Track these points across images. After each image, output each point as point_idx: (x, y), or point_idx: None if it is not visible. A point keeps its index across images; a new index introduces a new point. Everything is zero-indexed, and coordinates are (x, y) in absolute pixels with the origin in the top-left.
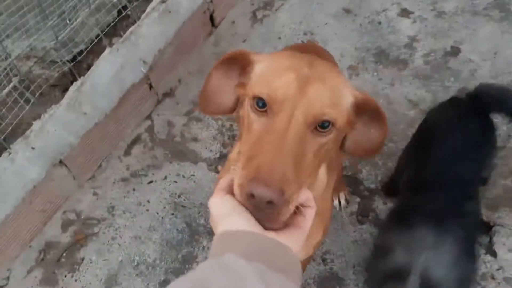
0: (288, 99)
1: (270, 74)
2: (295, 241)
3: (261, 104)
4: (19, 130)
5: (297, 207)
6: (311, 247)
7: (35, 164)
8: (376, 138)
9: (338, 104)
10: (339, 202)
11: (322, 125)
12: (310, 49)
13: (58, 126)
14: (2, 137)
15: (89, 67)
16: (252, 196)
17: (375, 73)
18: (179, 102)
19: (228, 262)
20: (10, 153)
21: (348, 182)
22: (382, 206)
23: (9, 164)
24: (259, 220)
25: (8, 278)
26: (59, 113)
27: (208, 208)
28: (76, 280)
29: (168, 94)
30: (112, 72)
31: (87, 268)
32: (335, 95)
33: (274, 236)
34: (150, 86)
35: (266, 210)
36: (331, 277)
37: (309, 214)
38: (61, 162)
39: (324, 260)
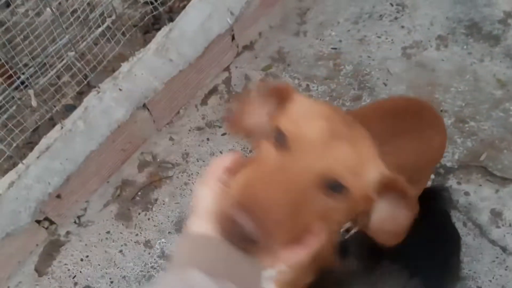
0: (311, 144)
1: (303, 114)
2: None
3: (281, 141)
4: (101, 69)
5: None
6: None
7: (122, 105)
8: (402, 220)
9: (359, 174)
10: None
11: (333, 188)
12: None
13: (145, 70)
14: (92, 75)
15: (170, 10)
16: (233, 223)
17: (465, 47)
18: (258, 56)
19: (194, 282)
20: (99, 92)
21: None
22: (456, 186)
23: (98, 103)
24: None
25: (85, 209)
26: (147, 58)
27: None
28: (148, 219)
29: (248, 47)
30: (200, 20)
31: (160, 209)
32: (360, 164)
33: None
34: (233, 38)
35: (238, 245)
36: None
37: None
38: (144, 105)
39: None
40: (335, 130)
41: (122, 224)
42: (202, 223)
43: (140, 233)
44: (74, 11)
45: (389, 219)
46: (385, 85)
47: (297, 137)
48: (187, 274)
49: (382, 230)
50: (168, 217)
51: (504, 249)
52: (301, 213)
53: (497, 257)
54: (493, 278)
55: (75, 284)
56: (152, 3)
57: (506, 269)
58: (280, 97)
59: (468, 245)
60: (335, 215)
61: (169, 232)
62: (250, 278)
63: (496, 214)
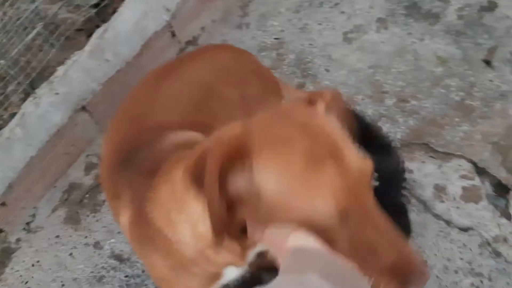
0: (342, 197)
1: (313, 189)
2: None
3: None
4: (45, 74)
5: None
6: None
7: (59, 108)
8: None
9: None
10: None
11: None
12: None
13: (81, 72)
14: (28, 82)
15: (114, 11)
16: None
17: (405, 27)
18: None
19: (312, 283)
20: (35, 98)
21: None
22: None
23: (34, 108)
24: None
25: (34, 215)
26: (82, 60)
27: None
28: (97, 220)
29: (191, 42)
30: (134, 19)
31: (108, 210)
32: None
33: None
34: (173, 34)
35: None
36: None
37: None
38: (84, 107)
39: None
40: (321, 156)
41: (71, 227)
42: (299, 236)
43: (90, 235)
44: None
45: None
46: (327, 71)
47: (339, 207)
48: (305, 277)
49: None
50: None
51: (448, 222)
52: None
53: (441, 231)
54: (438, 251)
55: None
56: (96, 6)
57: (450, 242)
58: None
59: (413, 221)
60: None
61: (118, 232)
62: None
63: (440, 189)
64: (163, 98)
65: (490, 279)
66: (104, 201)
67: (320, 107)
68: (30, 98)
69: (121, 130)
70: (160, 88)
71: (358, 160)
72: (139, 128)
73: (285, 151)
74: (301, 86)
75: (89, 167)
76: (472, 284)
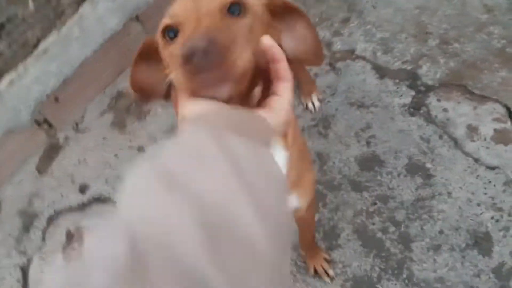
0: (188, 7)
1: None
2: (276, 111)
3: (172, 34)
4: None
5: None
6: (309, 189)
7: (114, 15)
8: (308, 36)
9: None
10: (313, 104)
11: (234, 11)
12: None
13: None
14: None
15: None
16: (189, 57)
17: None
18: None
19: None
20: (93, 1)
21: (406, 75)
22: (436, 103)
23: (92, 11)
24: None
25: (83, 116)
26: None
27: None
28: (142, 127)
29: None
30: None
31: (153, 119)
32: None
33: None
34: None
35: (210, 68)
36: (372, 159)
37: (284, 88)
38: (137, 17)
39: (368, 143)
40: None
41: (117, 131)
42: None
43: (134, 139)
44: None
45: (297, 41)
46: (374, 7)
47: (176, 14)
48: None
49: (300, 51)
50: (160, 126)
51: (476, 160)
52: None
53: (469, 167)
54: (463, 185)
55: (73, 182)
56: None
57: (476, 178)
58: (155, 52)
59: (442, 156)
60: (252, 34)
61: (160, 139)
62: (263, 131)
63: (472, 129)
64: None
65: (509, 214)
66: (149, 110)
67: None
68: (88, 1)
69: None
70: None
71: None
72: None
73: None
74: (346, 19)
75: None
76: (492, 217)
